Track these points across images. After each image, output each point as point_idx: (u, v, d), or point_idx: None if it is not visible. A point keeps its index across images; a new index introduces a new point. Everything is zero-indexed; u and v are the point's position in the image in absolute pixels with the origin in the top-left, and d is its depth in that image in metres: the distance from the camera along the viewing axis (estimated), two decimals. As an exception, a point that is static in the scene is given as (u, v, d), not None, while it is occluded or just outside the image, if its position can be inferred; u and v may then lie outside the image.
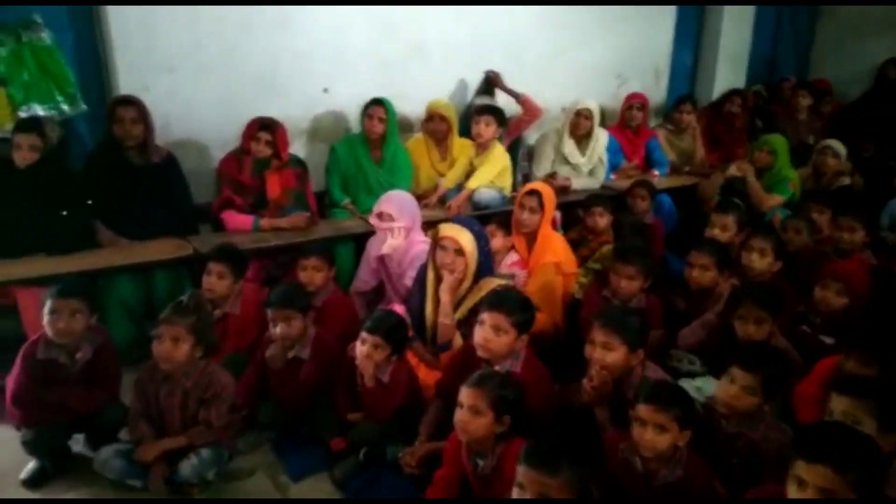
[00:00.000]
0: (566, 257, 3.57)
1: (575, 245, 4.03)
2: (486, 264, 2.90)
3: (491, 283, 2.84)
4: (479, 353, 2.33)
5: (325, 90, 4.10)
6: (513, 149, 4.53)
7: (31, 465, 2.39)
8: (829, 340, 2.81)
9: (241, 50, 3.76)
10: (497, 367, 2.33)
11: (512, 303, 2.33)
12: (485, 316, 2.31)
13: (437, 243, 2.81)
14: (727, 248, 3.24)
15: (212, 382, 2.29)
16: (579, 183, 4.63)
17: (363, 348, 2.40)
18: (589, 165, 4.68)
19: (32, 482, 2.36)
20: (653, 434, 1.89)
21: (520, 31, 4.74)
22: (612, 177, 4.98)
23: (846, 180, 4.82)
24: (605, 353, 2.23)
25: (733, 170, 4.63)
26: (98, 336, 2.40)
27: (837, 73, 6.66)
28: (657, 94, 5.66)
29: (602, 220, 3.98)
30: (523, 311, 2.34)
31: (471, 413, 1.94)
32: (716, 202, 4.60)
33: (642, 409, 1.92)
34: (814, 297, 2.88)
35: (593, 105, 4.57)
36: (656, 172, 5.08)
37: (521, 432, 1.98)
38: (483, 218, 3.87)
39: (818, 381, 2.40)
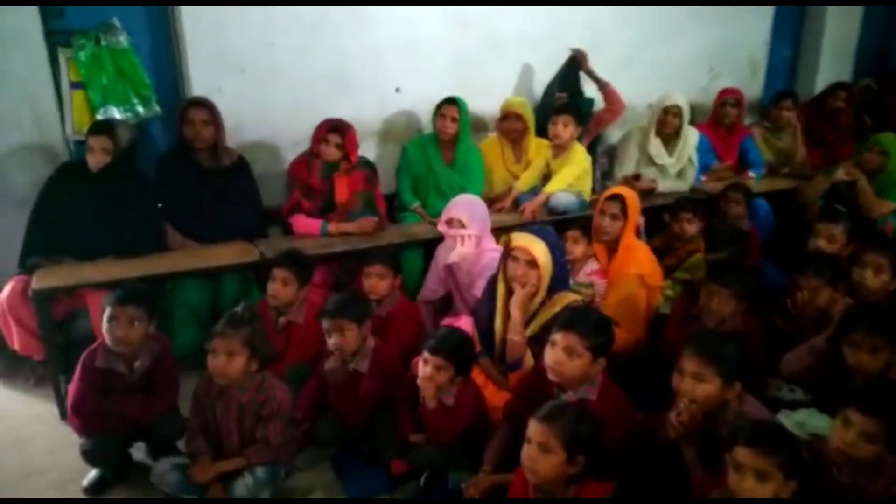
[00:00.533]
0: (651, 269, 3.29)
1: (660, 254, 3.76)
2: (562, 277, 2.68)
3: (566, 299, 2.62)
4: (550, 376, 2.13)
5: (398, 90, 3.98)
6: (592, 147, 4.28)
7: (93, 472, 2.37)
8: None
9: (313, 49, 3.69)
10: (570, 394, 2.13)
11: (587, 323, 2.11)
12: (557, 336, 2.11)
13: (508, 253, 2.62)
14: (838, 261, 2.89)
15: (268, 399, 2.19)
16: (666, 185, 4.31)
17: (425, 369, 2.24)
18: (677, 167, 4.35)
19: (93, 490, 2.35)
20: (753, 482, 1.64)
21: (601, 23, 4.47)
22: (703, 179, 4.63)
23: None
24: (696, 384, 1.98)
25: (841, 174, 4.20)
26: (157, 345, 2.35)
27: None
28: (753, 89, 5.24)
29: (691, 226, 3.70)
30: (600, 333, 2.13)
31: (540, 451, 1.74)
32: (818, 208, 4.22)
33: (741, 453, 1.67)
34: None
35: (682, 101, 4.24)
36: (751, 174, 4.67)
37: (597, 473, 1.77)
38: (560, 224, 3.69)
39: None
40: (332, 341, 2.38)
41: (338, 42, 3.74)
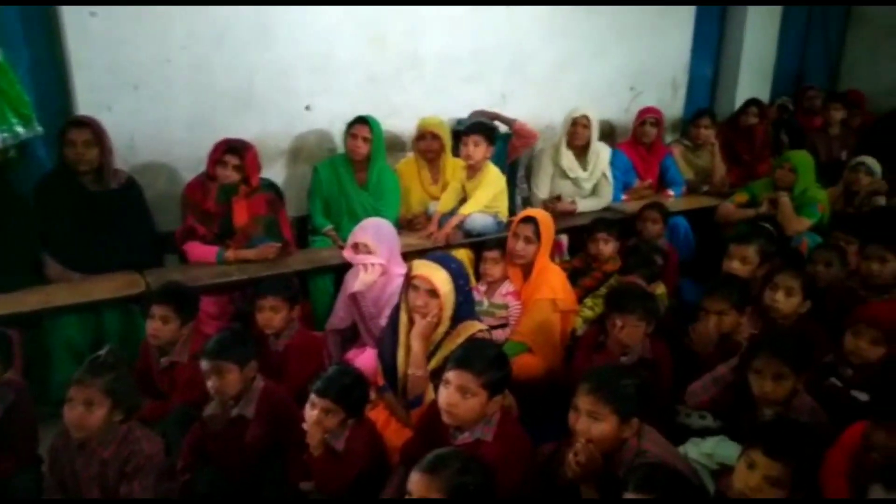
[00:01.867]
0: (564, 293, 3.22)
1: (579, 274, 3.71)
2: (466, 307, 2.54)
3: (471, 328, 2.49)
4: (444, 418, 1.99)
5: (308, 107, 3.81)
6: (511, 172, 4.22)
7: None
8: (863, 397, 2.40)
9: (214, 65, 3.49)
10: (465, 435, 2.00)
11: (482, 360, 1.98)
12: (450, 375, 1.97)
13: (409, 282, 2.48)
14: (746, 285, 2.84)
15: (134, 452, 1.98)
16: (585, 204, 4.29)
17: (312, 413, 2.06)
18: (592, 180, 4.34)
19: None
20: (646, 526, 1.54)
21: (523, 42, 4.41)
22: (624, 197, 4.63)
23: (881, 200, 4.38)
24: (592, 423, 1.86)
25: (764, 209, 4.21)
26: (10, 392, 2.11)
27: (872, 83, 6.20)
28: (674, 107, 5.28)
29: (607, 246, 3.66)
30: (497, 369, 2.00)
31: (422, 506, 1.60)
32: (737, 228, 4.24)
33: (633, 497, 1.58)
34: (844, 345, 2.48)
35: (591, 112, 4.23)
36: (671, 193, 4.70)
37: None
38: (478, 245, 3.59)
39: (847, 451, 2.01)
40: (211, 385, 2.18)
41: (242, 58, 3.55)
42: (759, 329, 2.72)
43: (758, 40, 5.53)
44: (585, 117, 4.20)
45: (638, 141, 4.69)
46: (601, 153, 4.35)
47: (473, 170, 3.74)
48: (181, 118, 3.45)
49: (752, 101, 5.12)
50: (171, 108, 3.42)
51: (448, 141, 3.89)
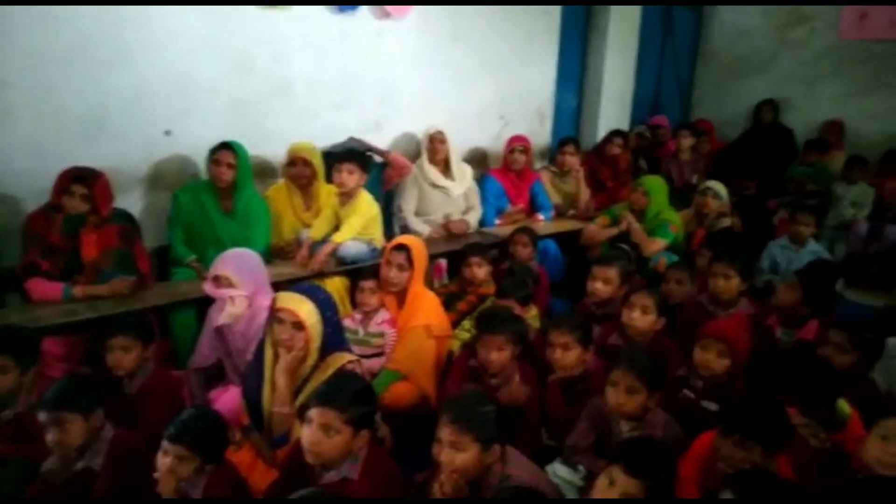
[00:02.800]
0: (438, 319, 3.24)
1: (456, 298, 3.75)
2: (335, 338, 2.49)
3: (340, 360, 2.43)
4: (308, 458, 1.92)
5: (168, 132, 3.62)
6: (387, 200, 4.24)
7: None
8: (712, 407, 2.58)
9: (60, 88, 3.23)
10: (331, 474, 1.94)
11: (346, 395, 1.93)
12: (312, 413, 1.91)
13: (273, 315, 2.39)
14: (587, 321, 2.86)
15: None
16: (474, 217, 4.51)
17: (164, 461, 1.93)
18: (461, 188, 4.49)
19: None
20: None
21: (392, 71, 4.45)
22: (497, 222, 4.76)
23: (727, 221, 4.77)
24: (454, 453, 1.86)
25: (624, 226, 4.46)
26: None
27: (718, 113, 6.81)
28: (542, 136, 5.52)
29: (480, 270, 3.72)
30: (361, 404, 1.96)
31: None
32: (600, 250, 4.47)
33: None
34: (694, 358, 2.65)
35: (444, 128, 4.40)
36: (541, 217, 4.90)
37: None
38: (354, 273, 3.54)
39: (697, 460, 2.14)
40: (50, 438, 1.98)
41: (93, 80, 3.32)
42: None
43: (616, 74, 5.91)
44: (440, 133, 4.37)
45: (508, 168, 4.85)
46: (466, 170, 4.57)
47: (346, 197, 3.69)
48: (22, 145, 3.16)
49: (617, 133, 5.44)
50: (10, 135, 3.13)
51: (320, 167, 3.83)
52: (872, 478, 1.81)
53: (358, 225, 3.67)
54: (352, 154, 3.74)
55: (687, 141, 5.74)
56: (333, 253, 3.61)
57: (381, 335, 3.22)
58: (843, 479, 2.06)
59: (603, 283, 3.38)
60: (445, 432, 1.87)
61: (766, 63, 6.45)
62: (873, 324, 2.79)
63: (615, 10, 5.67)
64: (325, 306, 2.43)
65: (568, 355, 2.62)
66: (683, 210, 4.97)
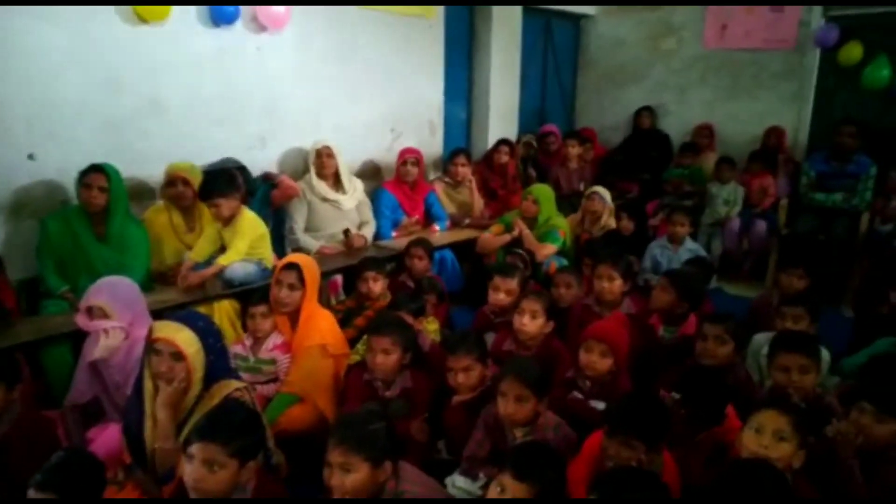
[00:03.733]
0: (334, 337, 3.17)
1: (353, 314, 3.70)
2: (220, 365, 2.38)
3: (227, 388, 2.33)
4: (192, 496, 1.83)
5: (31, 156, 3.37)
6: (277, 221, 4.15)
7: None
8: (600, 406, 2.67)
9: None
10: (216, 509, 1.86)
11: (228, 427, 1.85)
12: (193, 448, 1.82)
13: (149, 346, 2.27)
14: (480, 337, 2.91)
15: None
16: (369, 231, 4.50)
17: (30, 513, 1.78)
18: (352, 202, 4.49)
19: None
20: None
21: (274, 86, 4.35)
22: (394, 234, 4.76)
23: (612, 223, 4.99)
24: (345, 476, 1.83)
25: (508, 237, 4.57)
26: None
27: (601, 121, 7.11)
28: (434, 147, 5.56)
29: (376, 284, 3.71)
30: (246, 434, 1.88)
31: None
32: (497, 258, 4.56)
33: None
34: (580, 360, 2.74)
35: (331, 143, 4.38)
36: (437, 227, 4.94)
37: None
38: (243, 296, 3.43)
39: (587, 462, 2.21)
40: None
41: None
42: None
43: (502, 86, 6.06)
44: (327, 147, 4.35)
45: (402, 180, 4.86)
46: (357, 185, 4.56)
47: (229, 220, 3.57)
48: None
49: (503, 141, 5.58)
50: None
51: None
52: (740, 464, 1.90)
53: (244, 247, 3.55)
54: (216, 183, 3.55)
55: (574, 150, 5.96)
56: (221, 275, 3.48)
57: (273, 362, 3.12)
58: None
59: (506, 294, 3.44)
60: (334, 455, 1.84)
61: (641, 72, 6.81)
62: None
63: (497, 25, 5.82)
64: (206, 333, 2.33)
65: (471, 376, 2.63)
66: (571, 215, 5.17)
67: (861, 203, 5.08)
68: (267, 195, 4.10)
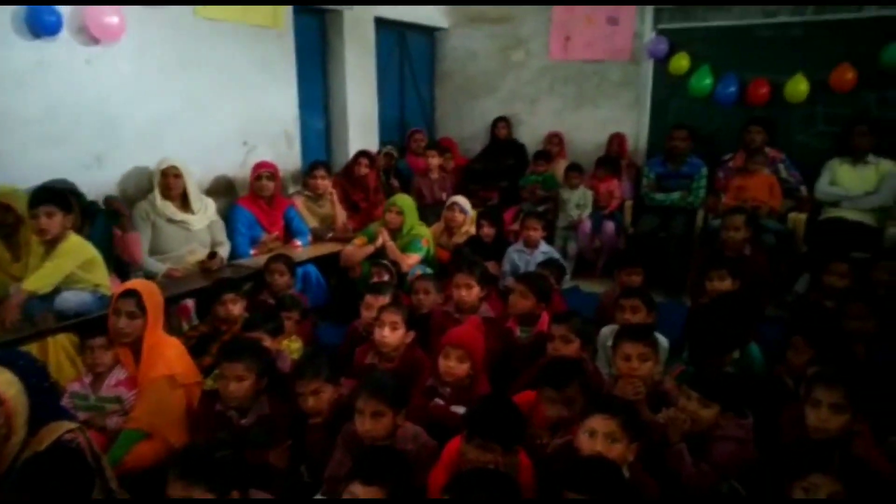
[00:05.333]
0: (183, 366, 2.98)
1: (209, 339, 3.52)
2: (47, 406, 2.18)
3: (57, 431, 2.12)
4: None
5: None
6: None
7: None
8: (461, 411, 2.71)
9: None
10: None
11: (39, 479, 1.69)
12: None
13: (-40, 393, 2.02)
14: (330, 357, 2.84)
15: None
16: (224, 251, 4.31)
17: None
18: (203, 222, 4.30)
19: None
20: None
21: (111, 100, 4.07)
22: (252, 252, 4.60)
23: (473, 230, 5.11)
24: (188, 513, 1.73)
25: (371, 249, 4.56)
26: None
27: (460, 131, 7.28)
28: (291, 160, 5.44)
29: (235, 307, 3.54)
30: (66, 483, 1.72)
31: None
32: (362, 271, 4.53)
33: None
34: (438, 366, 2.77)
35: (179, 161, 4.20)
36: (298, 243, 4.83)
37: None
38: (82, 328, 3.15)
39: (446, 468, 2.22)
40: None
41: None
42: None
43: (359, 97, 6.05)
44: (174, 167, 4.15)
45: (258, 195, 4.71)
46: (209, 204, 4.39)
47: (52, 243, 3.28)
48: None
49: (362, 153, 5.56)
50: None
51: (27, 213, 3.36)
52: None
53: (57, 270, 3.25)
54: (48, 194, 3.29)
55: (434, 160, 6.06)
56: (51, 307, 3.18)
57: (118, 400, 2.88)
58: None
59: (366, 309, 3.40)
60: (175, 489, 1.73)
61: (494, 83, 7.06)
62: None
63: (349, 36, 5.81)
64: (29, 372, 2.12)
65: (321, 399, 2.56)
66: (434, 224, 5.25)
67: (696, 201, 5.55)
68: (104, 224, 3.80)
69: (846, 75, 5.36)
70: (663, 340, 3.15)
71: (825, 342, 2.85)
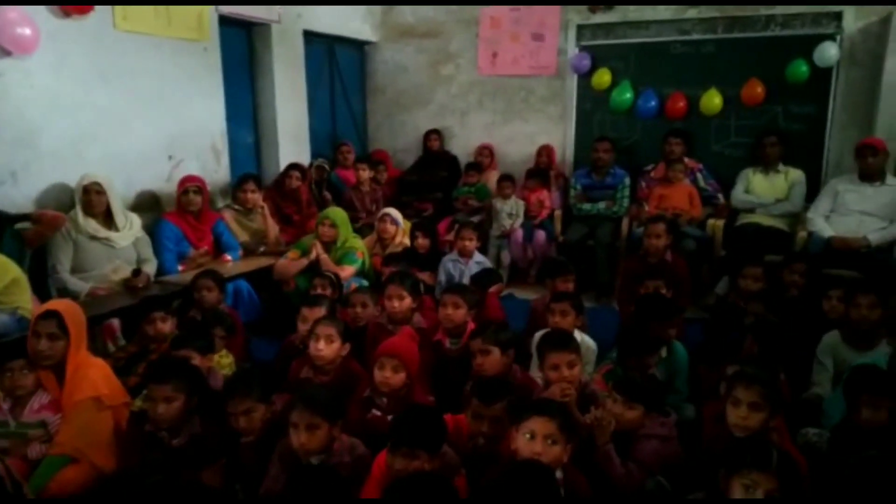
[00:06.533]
0: (109, 387, 2.88)
1: (138, 359, 3.42)
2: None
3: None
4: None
5: None
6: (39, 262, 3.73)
7: None
8: (398, 421, 2.73)
9: None
10: None
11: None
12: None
13: None
14: (262, 375, 2.78)
15: None
16: (151, 267, 4.18)
17: None
18: (127, 239, 4.17)
19: None
20: None
21: (27, 114, 3.90)
22: (180, 268, 4.49)
23: (407, 242, 5.14)
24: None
25: (305, 262, 4.53)
26: None
27: (393, 143, 7.32)
28: (220, 173, 5.33)
29: (165, 324, 3.48)
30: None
31: None
32: (296, 284, 4.48)
33: None
34: (374, 377, 2.78)
35: (101, 177, 4.07)
36: (228, 257, 4.74)
37: None
38: (2, 351, 2.99)
39: (378, 481, 2.22)
40: None
41: None
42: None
43: (289, 110, 6.00)
44: (96, 184, 4.02)
45: (185, 210, 4.60)
46: (134, 220, 4.28)
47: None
48: None
49: (293, 166, 5.51)
50: None
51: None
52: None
53: None
54: None
55: (365, 173, 6.08)
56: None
57: (42, 425, 2.76)
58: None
59: (302, 322, 3.38)
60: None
61: (425, 96, 7.13)
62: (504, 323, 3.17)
63: (277, 48, 5.76)
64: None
65: (253, 419, 2.52)
66: (368, 236, 5.25)
67: (620, 210, 5.78)
68: (16, 238, 3.64)
69: (756, 89, 5.69)
70: (591, 343, 3.26)
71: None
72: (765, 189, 5.36)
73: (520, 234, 5.86)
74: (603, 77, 6.22)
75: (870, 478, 1.89)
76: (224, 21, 5.22)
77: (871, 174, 4.79)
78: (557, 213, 6.05)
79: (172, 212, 4.63)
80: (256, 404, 2.51)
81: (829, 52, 5.42)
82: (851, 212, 4.80)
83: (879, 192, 4.77)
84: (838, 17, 5.46)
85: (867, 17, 5.38)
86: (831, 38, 5.46)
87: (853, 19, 5.42)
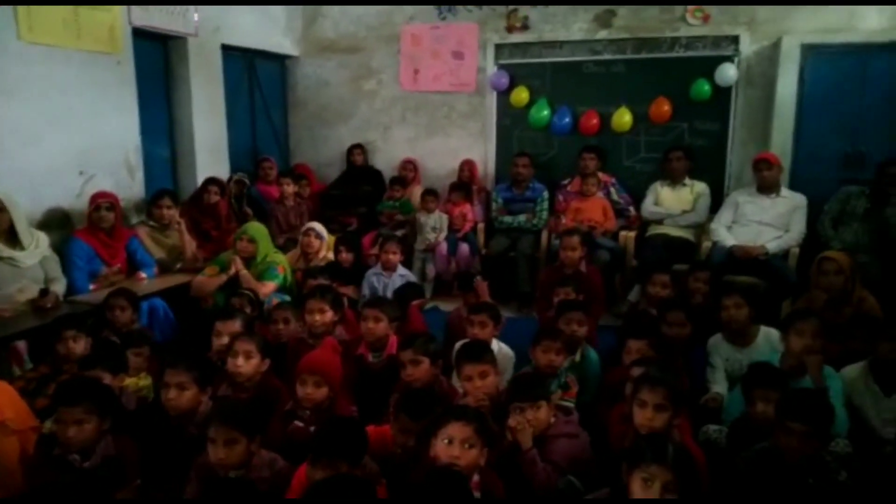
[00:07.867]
0: (15, 411, 2.78)
1: (49, 380, 3.29)
2: None
3: None
4: None
5: None
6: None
7: None
8: (319, 434, 2.73)
9: None
10: None
11: None
12: None
13: None
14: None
15: None
16: (60, 287, 4.03)
17: None
18: (34, 258, 4.01)
19: None
20: None
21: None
22: (92, 287, 4.34)
23: (331, 256, 5.14)
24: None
25: (224, 278, 4.47)
26: None
27: (316, 157, 7.29)
28: (134, 189, 5.17)
29: (77, 344, 3.39)
30: None
31: None
32: (215, 301, 4.41)
33: None
34: (296, 392, 2.79)
35: (2, 193, 3.91)
36: (143, 275, 4.61)
37: None
38: None
39: (297, 494, 2.24)
40: None
41: None
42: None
43: (207, 124, 5.89)
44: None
45: (97, 226, 4.44)
46: (38, 233, 4.13)
47: None
48: None
49: (211, 180, 5.41)
50: None
51: None
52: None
53: None
54: None
55: (289, 188, 6.04)
56: None
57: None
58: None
59: (229, 337, 3.29)
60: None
61: (348, 111, 7.15)
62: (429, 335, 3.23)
63: (194, 62, 5.66)
64: None
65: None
66: (292, 251, 5.22)
67: (540, 223, 5.97)
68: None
69: (663, 107, 6.01)
70: (509, 351, 3.37)
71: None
72: (672, 201, 5.67)
73: (444, 247, 5.96)
74: (521, 94, 6.42)
75: (758, 468, 2.04)
76: (138, 34, 5.09)
77: (767, 186, 5.16)
78: (480, 226, 6.18)
79: (83, 229, 4.47)
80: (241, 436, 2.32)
81: (728, 73, 5.80)
82: (751, 222, 5.15)
83: (776, 204, 5.14)
84: (736, 40, 5.86)
85: (760, 41, 5.80)
86: (730, 59, 5.85)
87: (749, 42, 5.83)
